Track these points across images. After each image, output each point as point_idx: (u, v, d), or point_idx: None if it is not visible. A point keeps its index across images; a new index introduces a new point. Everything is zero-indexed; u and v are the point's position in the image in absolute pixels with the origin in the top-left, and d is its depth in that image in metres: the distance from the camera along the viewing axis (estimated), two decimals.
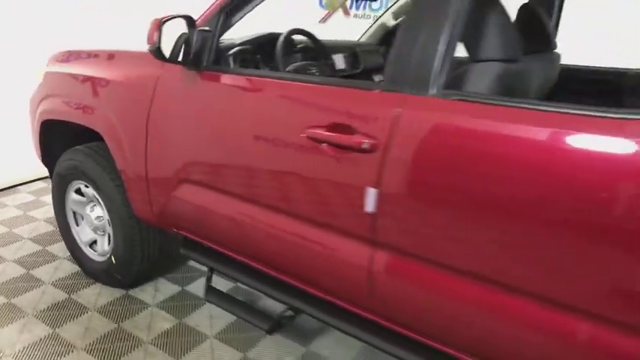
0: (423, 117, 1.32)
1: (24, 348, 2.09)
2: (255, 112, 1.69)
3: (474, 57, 1.50)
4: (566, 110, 1.16)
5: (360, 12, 4.58)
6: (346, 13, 4.70)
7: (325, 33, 2.56)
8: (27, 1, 3.68)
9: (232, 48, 1.98)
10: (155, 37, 1.65)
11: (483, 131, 1.24)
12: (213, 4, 1.82)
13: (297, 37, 2.34)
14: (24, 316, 2.30)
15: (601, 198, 1.06)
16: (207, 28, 1.81)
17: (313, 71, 2.17)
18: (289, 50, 2.28)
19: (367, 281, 1.50)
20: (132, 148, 2.07)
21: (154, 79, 1.96)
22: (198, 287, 2.56)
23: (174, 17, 1.70)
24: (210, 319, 2.34)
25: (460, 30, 1.32)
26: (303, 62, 2.16)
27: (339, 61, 2.35)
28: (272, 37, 2.13)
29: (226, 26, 1.87)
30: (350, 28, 3.64)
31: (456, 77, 1.49)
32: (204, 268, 2.27)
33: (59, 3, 3.87)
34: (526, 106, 1.22)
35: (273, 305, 2.22)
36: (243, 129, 1.71)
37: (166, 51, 1.76)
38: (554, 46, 2.26)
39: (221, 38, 1.96)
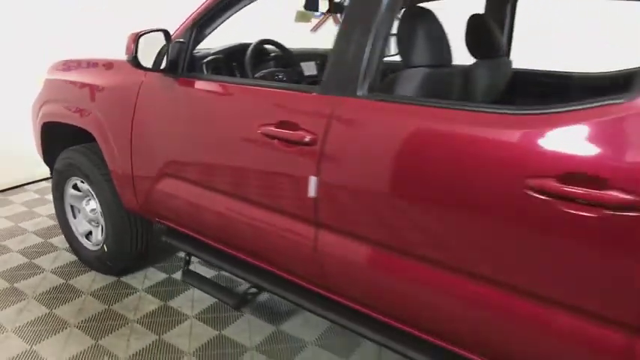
0: (350, 115, 1.55)
1: (23, 325, 2.34)
2: (221, 113, 1.93)
3: (405, 63, 1.74)
4: (470, 108, 1.38)
5: None
6: (336, 22, 4.94)
7: (317, 41, 2.80)
8: (27, 1, 3.85)
9: (206, 57, 2.23)
10: (132, 49, 1.90)
11: (398, 125, 1.47)
12: (186, 19, 2.08)
13: (270, 47, 2.58)
14: (25, 299, 2.55)
15: (500, 184, 1.27)
16: (182, 40, 2.06)
17: (280, 77, 2.42)
18: (263, 58, 2.52)
19: (313, 258, 1.73)
20: (119, 146, 2.32)
21: (137, 85, 2.21)
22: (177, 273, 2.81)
23: (152, 31, 1.95)
24: (192, 301, 2.58)
25: (383, 41, 1.55)
26: (271, 69, 2.41)
27: (308, 67, 2.58)
28: (244, 47, 2.37)
29: (200, 38, 2.11)
30: None
31: (390, 81, 1.73)
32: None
33: (59, 3, 4.03)
34: (434, 104, 1.44)
35: (244, 286, 2.45)
36: (212, 128, 1.96)
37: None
38: (504, 53, 2.48)
39: (200, 48, 2.22)
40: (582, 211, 1.15)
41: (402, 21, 1.76)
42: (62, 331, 2.31)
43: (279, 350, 2.23)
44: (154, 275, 2.82)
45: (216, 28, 2.11)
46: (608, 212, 1.12)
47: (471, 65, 2.18)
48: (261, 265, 1.99)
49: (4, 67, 3.84)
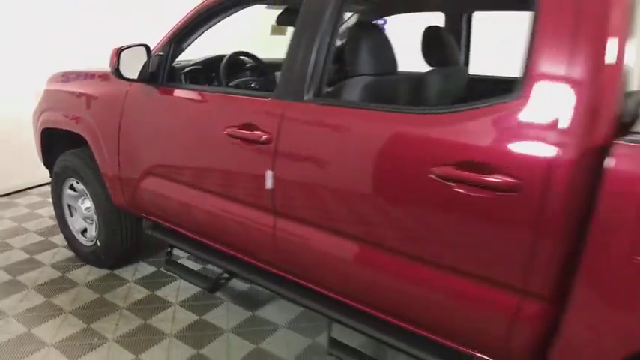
0: (297, 117, 1.80)
1: (23, 311, 2.59)
2: (194, 117, 2.19)
3: (351, 72, 1.98)
4: (390, 109, 1.62)
5: None
6: None
7: None
8: (27, 1, 4.00)
9: (185, 68, 2.49)
10: (114, 62, 2.17)
11: (335, 125, 1.71)
12: (165, 35, 2.34)
13: (246, 58, 2.84)
14: (25, 289, 2.81)
15: (412, 172, 1.50)
16: (161, 53, 2.32)
17: (253, 85, 2.67)
18: (240, 68, 2.78)
19: (272, 242, 1.97)
20: (108, 149, 2.58)
21: (123, 94, 2.47)
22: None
23: (133, 46, 2.22)
24: (177, 291, 2.82)
25: (327, 53, 1.79)
26: (245, 78, 2.66)
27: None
28: (220, 59, 2.63)
29: (178, 51, 2.37)
30: None
31: (338, 87, 1.97)
32: (180, 253, 2.74)
33: (59, 3, 4.18)
34: (364, 107, 1.69)
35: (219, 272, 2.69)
36: (187, 130, 2.21)
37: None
38: (458, 61, 2.71)
39: (182, 59, 2.48)
40: (474, 193, 1.38)
41: (348, 34, 2.01)
42: (58, 316, 2.56)
43: (253, 332, 2.47)
44: (144, 268, 3.07)
45: (192, 42, 2.37)
46: (494, 193, 1.36)
47: (425, 72, 2.42)
48: (231, 252, 2.23)
49: (6, 71, 4.00)
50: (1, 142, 4.05)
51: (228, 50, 2.77)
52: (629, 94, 1.43)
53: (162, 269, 3.05)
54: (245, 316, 2.60)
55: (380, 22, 5.16)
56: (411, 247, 1.58)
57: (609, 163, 1.21)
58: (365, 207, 1.66)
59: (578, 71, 1.28)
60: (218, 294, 2.76)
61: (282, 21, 2.70)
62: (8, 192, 4.27)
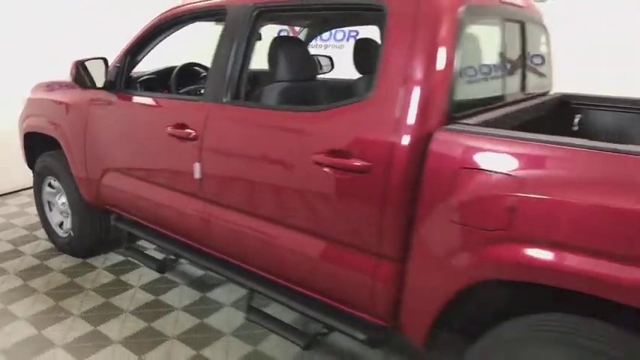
0: (217, 116, 2.14)
1: (3, 293, 2.94)
2: (143, 119, 2.54)
3: (272, 79, 2.31)
4: (285, 108, 1.96)
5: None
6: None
7: None
8: (28, 1, 4.28)
9: (140, 77, 2.84)
10: (73, 73, 2.53)
11: (242, 122, 2.05)
12: (122, 50, 2.70)
13: (200, 68, 3.20)
14: (6, 274, 3.16)
15: (300, 159, 1.82)
16: (118, 65, 2.68)
17: (202, 92, 3.01)
18: (195, 77, 3.13)
19: (203, 225, 2.30)
20: (77, 150, 2.94)
21: (88, 100, 2.83)
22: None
23: (92, 59, 2.58)
24: (140, 276, 3.16)
25: (242, 62, 2.13)
26: (196, 86, 3.00)
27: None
28: (173, 69, 2.99)
29: (133, 63, 2.73)
30: None
31: (260, 91, 2.30)
32: (147, 245, 3.07)
33: (59, 3, 4.47)
34: (265, 107, 2.04)
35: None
36: (137, 130, 2.56)
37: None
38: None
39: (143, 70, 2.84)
40: (340, 175, 1.71)
41: (270, 46, 2.34)
42: (31, 295, 2.91)
43: (201, 310, 2.79)
44: (114, 257, 3.41)
45: (145, 54, 2.73)
46: (353, 174, 1.68)
47: (355, 79, 2.75)
48: (175, 237, 2.56)
49: (5, 73, 4.28)
50: None
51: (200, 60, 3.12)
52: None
53: (129, 258, 3.38)
54: (196, 297, 2.92)
55: (353, 33, 5.50)
56: (301, 222, 1.91)
57: (431, 146, 1.53)
58: (268, 190, 1.99)
59: (414, 78, 1.60)
60: (172, 277, 3.09)
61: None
62: (1, 193, 4.65)
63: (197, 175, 2.23)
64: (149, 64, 2.86)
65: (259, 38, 2.47)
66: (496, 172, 1.40)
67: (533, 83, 2.45)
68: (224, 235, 2.25)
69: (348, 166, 1.69)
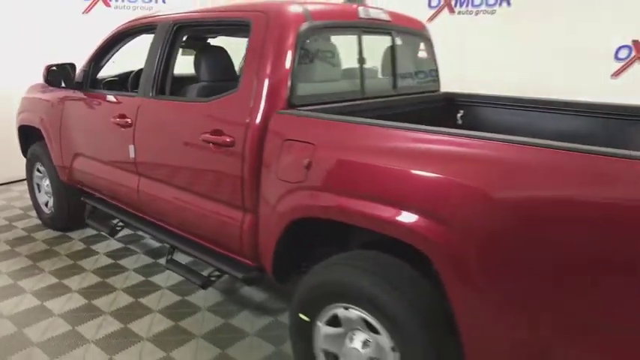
0: (145, 107, 2.74)
1: None
2: (99, 111, 3.16)
3: (197, 79, 2.89)
4: (187, 100, 2.55)
5: (120, 3, 5.83)
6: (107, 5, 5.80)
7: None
8: (29, 5, 4.98)
9: (105, 79, 3.48)
10: (45, 75, 3.18)
11: (162, 112, 2.64)
12: (88, 56, 3.34)
13: None
14: None
15: (193, 138, 2.38)
16: (85, 68, 3.32)
17: None
18: None
19: (137, 195, 2.90)
20: (54, 139, 3.59)
21: (63, 97, 3.48)
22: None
23: (61, 64, 3.22)
24: (107, 246, 3.78)
25: (164, 66, 2.72)
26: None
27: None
28: (132, 72, 3.61)
29: (98, 67, 3.36)
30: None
31: (185, 90, 2.89)
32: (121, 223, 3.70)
33: (60, 6, 5.18)
34: (175, 100, 2.62)
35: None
36: (94, 120, 3.19)
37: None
38: None
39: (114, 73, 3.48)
40: (217, 149, 2.28)
41: (195, 54, 2.93)
42: (15, 258, 3.56)
43: (149, 271, 3.38)
44: (90, 232, 4.04)
45: (108, 60, 3.36)
46: (225, 148, 2.24)
47: None
48: (122, 207, 3.17)
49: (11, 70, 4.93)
50: (3, 136, 5.07)
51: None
52: None
53: (102, 233, 4.01)
54: (159, 270, 3.52)
55: None
56: (196, 187, 2.49)
57: (269, 125, 2.09)
58: (175, 163, 2.58)
59: (263, 76, 2.16)
60: (131, 246, 3.70)
61: (185, 47, 3.66)
62: (7, 181, 5.37)
63: (132, 154, 2.83)
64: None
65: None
66: (301, 141, 1.95)
67: (409, 83, 2.97)
68: (150, 201, 2.84)
69: (222, 142, 2.25)
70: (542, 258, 1.36)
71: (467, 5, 5.80)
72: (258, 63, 2.19)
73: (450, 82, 3.92)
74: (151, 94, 2.73)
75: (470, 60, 5.62)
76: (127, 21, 3.14)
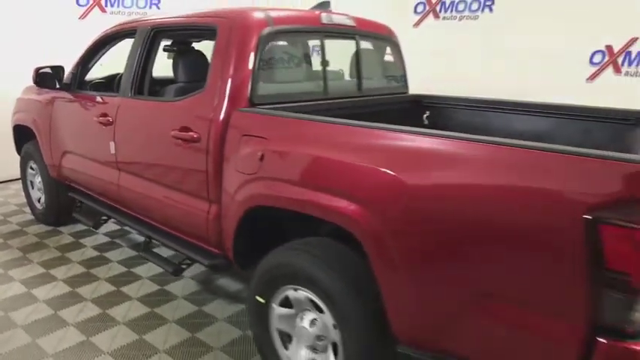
0: (124, 107, 2.93)
1: None
2: (84, 111, 3.35)
3: (174, 80, 3.08)
4: (155, 100, 2.74)
5: (115, 9, 6.07)
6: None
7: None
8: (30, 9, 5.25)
9: (92, 81, 3.68)
10: (34, 77, 3.38)
11: (137, 110, 2.83)
12: (76, 59, 3.54)
13: None
14: None
15: (162, 133, 2.56)
16: (73, 71, 3.52)
17: None
18: None
19: (118, 189, 3.08)
20: (45, 138, 3.79)
21: (53, 98, 3.68)
22: (102, 229, 4.19)
23: (49, 67, 3.42)
24: (95, 240, 3.97)
25: (142, 69, 2.91)
26: None
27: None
28: (118, 75, 3.80)
29: (85, 70, 3.56)
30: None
31: (164, 90, 3.08)
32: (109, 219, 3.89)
33: (57, 11, 5.45)
34: (147, 99, 2.81)
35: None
36: (83, 120, 3.38)
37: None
38: None
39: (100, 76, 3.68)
40: (185, 144, 2.46)
41: (174, 56, 3.12)
42: (6, 250, 3.75)
43: (132, 263, 3.56)
44: (79, 227, 4.23)
45: (94, 64, 3.56)
46: (192, 143, 2.42)
47: None
48: (105, 201, 3.36)
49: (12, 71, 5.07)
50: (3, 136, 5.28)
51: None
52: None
53: (91, 229, 4.20)
54: (133, 254, 3.70)
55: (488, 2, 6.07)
56: (168, 181, 2.67)
57: (230, 121, 2.27)
58: (149, 158, 2.77)
59: (226, 77, 2.34)
60: (117, 240, 3.89)
61: (167, 50, 3.85)
62: (5, 179, 5.58)
63: (112, 150, 3.02)
64: None
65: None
66: (256, 136, 2.13)
67: (375, 85, 3.15)
68: (128, 195, 3.02)
69: (189, 138, 2.43)
70: (445, 234, 1.53)
71: (451, 11, 5.97)
72: (222, 65, 2.37)
73: (432, 84, 4.09)
74: (129, 95, 2.92)
75: (453, 63, 5.80)
76: (110, 26, 3.34)
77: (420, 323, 1.67)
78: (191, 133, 2.42)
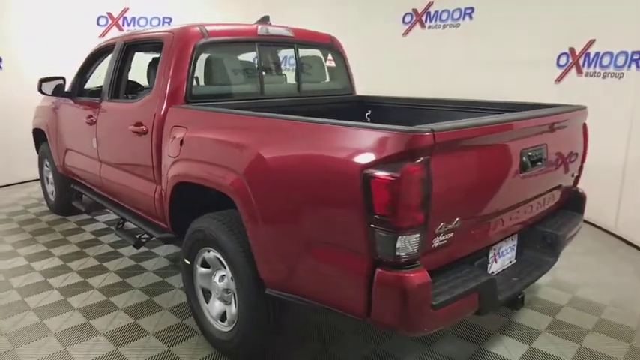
0: (102, 109, 3.51)
1: (3, 231, 4.49)
2: (79, 113, 3.97)
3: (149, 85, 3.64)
4: (120, 102, 3.29)
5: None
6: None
7: None
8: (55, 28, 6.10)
9: (90, 88, 4.32)
10: (38, 86, 4.03)
11: (110, 111, 3.40)
12: (75, 72, 4.18)
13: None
14: (11, 222, 4.73)
15: (122, 128, 3.12)
16: (74, 80, 4.17)
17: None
18: (137, 89, 4.56)
19: (99, 178, 3.67)
20: (53, 138, 4.46)
21: (59, 104, 4.35)
22: (103, 218, 4.83)
23: (51, 77, 4.07)
24: (94, 226, 4.59)
25: (117, 76, 3.49)
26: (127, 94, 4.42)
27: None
28: None
29: (84, 79, 4.20)
30: None
31: (140, 93, 3.64)
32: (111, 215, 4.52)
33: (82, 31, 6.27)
34: (117, 101, 3.37)
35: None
36: (78, 121, 4.00)
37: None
38: None
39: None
40: (138, 136, 2.99)
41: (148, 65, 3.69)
42: (19, 234, 4.43)
43: (120, 243, 4.14)
44: (85, 217, 4.87)
45: (91, 74, 4.20)
46: (143, 135, 2.95)
47: None
48: (95, 190, 3.96)
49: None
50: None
51: None
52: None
53: (95, 217, 4.84)
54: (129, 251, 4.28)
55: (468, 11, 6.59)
56: (128, 168, 3.21)
57: (167, 116, 2.78)
58: (116, 150, 3.32)
59: (166, 80, 2.86)
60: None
61: None
62: (33, 179, 6.36)
63: (94, 145, 3.62)
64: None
65: None
66: (180, 126, 2.63)
67: (314, 87, 3.59)
68: (106, 182, 3.59)
69: (140, 131, 2.96)
70: (287, 194, 1.96)
71: (436, 20, 6.32)
72: (164, 70, 2.89)
73: (420, 87, 4.45)
74: (107, 98, 3.51)
75: (438, 69, 6.14)
76: (99, 44, 3.98)
77: (275, 268, 2.09)
78: (142, 127, 2.95)
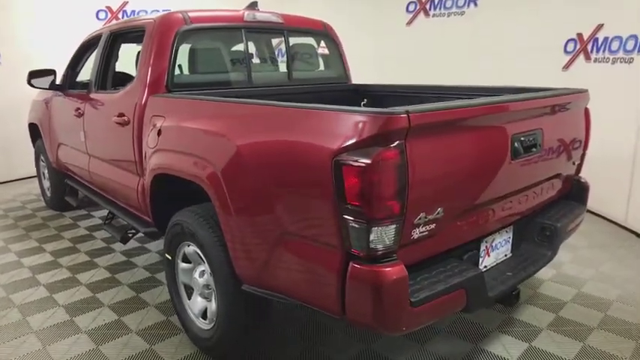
0: (90, 99, 3.42)
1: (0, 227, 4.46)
2: (69, 106, 3.90)
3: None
4: (107, 93, 3.20)
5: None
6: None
7: None
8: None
9: (82, 81, 4.24)
10: (27, 79, 3.96)
11: (97, 103, 3.31)
12: (68, 63, 4.10)
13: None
14: (7, 218, 4.69)
15: (106, 122, 3.03)
16: (64, 74, 4.09)
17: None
18: (125, 81, 4.47)
19: (88, 172, 3.59)
20: (46, 133, 4.40)
21: (51, 97, 4.28)
22: (99, 214, 4.77)
23: (41, 70, 4.00)
24: (89, 222, 4.52)
25: (103, 69, 3.39)
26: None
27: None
28: None
29: (75, 73, 4.12)
30: None
31: (127, 84, 3.55)
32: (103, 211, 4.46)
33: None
34: (103, 92, 3.28)
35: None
36: (67, 113, 3.93)
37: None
38: None
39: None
40: (122, 126, 2.89)
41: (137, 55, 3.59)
42: (13, 229, 4.38)
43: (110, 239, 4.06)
44: (81, 212, 4.82)
45: (81, 67, 4.11)
46: (124, 125, 2.85)
47: None
48: (85, 183, 3.88)
49: None
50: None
51: None
52: None
53: (91, 212, 4.78)
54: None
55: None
56: (114, 159, 3.11)
57: (148, 104, 2.68)
58: (103, 141, 3.23)
59: (148, 69, 2.75)
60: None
61: None
62: (32, 175, 6.34)
63: (82, 138, 3.53)
64: None
65: None
66: (159, 115, 2.52)
67: (305, 75, 3.46)
68: (95, 176, 3.51)
69: (123, 121, 2.87)
70: (259, 183, 1.84)
71: (440, 8, 6.14)
72: (146, 59, 2.78)
73: (424, 77, 4.31)
74: (93, 90, 3.42)
75: (443, 59, 5.97)
76: (88, 35, 3.89)
77: (249, 263, 1.97)
78: (124, 117, 2.85)
